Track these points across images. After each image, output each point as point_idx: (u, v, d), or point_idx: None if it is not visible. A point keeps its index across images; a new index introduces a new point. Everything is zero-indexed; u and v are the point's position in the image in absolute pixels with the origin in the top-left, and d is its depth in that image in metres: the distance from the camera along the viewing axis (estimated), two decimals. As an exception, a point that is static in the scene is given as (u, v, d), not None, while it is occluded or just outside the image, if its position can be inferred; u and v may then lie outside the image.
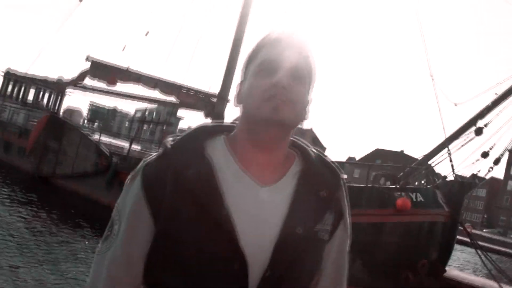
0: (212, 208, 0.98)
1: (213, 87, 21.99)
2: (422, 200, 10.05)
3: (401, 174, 11.32)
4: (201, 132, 1.10)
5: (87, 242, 9.50)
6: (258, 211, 1.02)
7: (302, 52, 1.09)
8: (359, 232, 9.95)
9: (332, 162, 1.16)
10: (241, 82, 1.13)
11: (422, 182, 11.08)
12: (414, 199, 9.94)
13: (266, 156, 1.07)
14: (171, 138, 1.09)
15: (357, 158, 73.13)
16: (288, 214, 1.03)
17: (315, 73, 1.12)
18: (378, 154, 66.96)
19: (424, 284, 10.23)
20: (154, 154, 1.08)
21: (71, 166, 15.54)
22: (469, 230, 14.12)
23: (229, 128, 1.14)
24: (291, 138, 1.14)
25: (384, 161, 58.91)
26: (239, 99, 1.11)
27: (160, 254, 1.02)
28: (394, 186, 10.29)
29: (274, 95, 1.02)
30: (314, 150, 1.17)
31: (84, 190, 14.31)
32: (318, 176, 1.10)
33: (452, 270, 13.86)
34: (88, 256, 8.43)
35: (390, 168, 15.34)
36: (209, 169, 1.02)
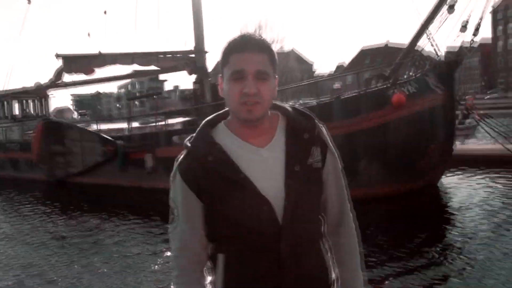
0: (233, 176, 1.39)
1: (188, 41, 21.81)
2: (415, 90, 10.34)
3: (390, 70, 11.58)
4: (207, 126, 1.51)
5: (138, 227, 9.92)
6: (265, 166, 1.43)
7: (262, 52, 1.41)
8: (367, 138, 10.39)
9: (305, 109, 1.57)
10: (221, 77, 1.47)
11: (411, 73, 11.28)
12: (408, 92, 10.25)
13: (256, 128, 1.46)
14: (187, 138, 1.49)
15: (347, 62, 72.68)
16: (286, 160, 1.44)
17: (275, 59, 1.45)
18: (365, 53, 66.39)
19: (440, 166, 10.76)
20: (181, 153, 1.47)
21: (81, 162, 15.88)
22: (470, 102, 14.66)
23: (225, 114, 1.54)
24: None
25: (372, 58, 58.70)
26: (223, 94, 1.46)
27: (212, 219, 1.44)
28: (386, 85, 10.56)
29: (246, 101, 1.38)
30: (289, 105, 1.58)
31: (101, 180, 14.74)
32: (298, 124, 1.50)
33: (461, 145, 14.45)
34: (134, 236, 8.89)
35: (379, 67, 15.47)
36: (222, 151, 1.42)
